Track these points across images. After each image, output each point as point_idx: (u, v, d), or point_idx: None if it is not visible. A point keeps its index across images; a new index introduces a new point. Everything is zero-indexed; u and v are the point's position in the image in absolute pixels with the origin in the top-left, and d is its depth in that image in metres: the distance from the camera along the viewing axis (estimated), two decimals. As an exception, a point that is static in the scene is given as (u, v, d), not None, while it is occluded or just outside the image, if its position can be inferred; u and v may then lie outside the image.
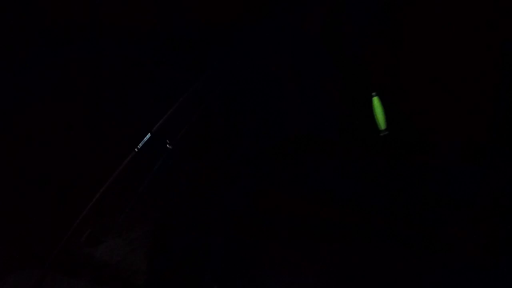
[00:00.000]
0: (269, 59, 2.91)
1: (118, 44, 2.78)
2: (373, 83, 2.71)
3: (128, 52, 2.81)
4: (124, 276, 2.53)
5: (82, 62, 2.75)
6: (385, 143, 2.79)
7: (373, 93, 2.63)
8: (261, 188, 2.79)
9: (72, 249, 2.52)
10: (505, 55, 2.63)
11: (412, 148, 2.81)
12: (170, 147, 2.51)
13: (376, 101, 2.63)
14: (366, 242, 2.60)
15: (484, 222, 2.55)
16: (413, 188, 2.69)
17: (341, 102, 2.89)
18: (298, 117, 2.95)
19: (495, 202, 2.58)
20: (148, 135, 2.43)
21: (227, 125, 2.91)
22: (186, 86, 2.61)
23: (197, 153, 2.84)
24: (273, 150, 2.87)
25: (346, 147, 2.86)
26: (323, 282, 2.51)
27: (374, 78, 2.80)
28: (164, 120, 2.51)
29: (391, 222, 2.63)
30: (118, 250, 2.59)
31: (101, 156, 2.72)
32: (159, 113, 2.52)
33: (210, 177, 2.79)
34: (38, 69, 2.65)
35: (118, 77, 2.81)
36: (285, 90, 2.96)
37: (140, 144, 2.41)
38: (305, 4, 2.89)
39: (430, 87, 2.76)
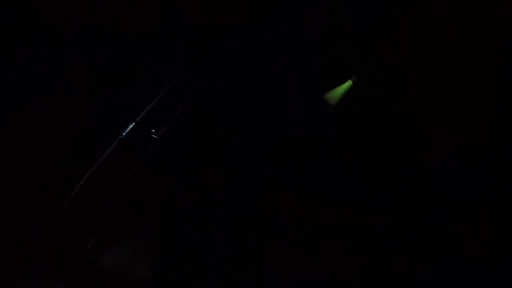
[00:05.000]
0: (269, 59, 2.91)
1: (118, 44, 2.77)
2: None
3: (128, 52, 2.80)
4: (129, 285, 2.51)
5: (82, 62, 2.74)
6: (385, 143, 2.80)
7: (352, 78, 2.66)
8: (263, 189, 2.79)
9: (77, 257, 2.51)
10: (505, 55, 2.64)
11: (412, 148, 2.81)
12: (156, 137, 2.49)
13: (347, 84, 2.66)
14: (368, 242, 2.60)
15: (485, 223, 2.56)
16: (414, 188, 2.70)
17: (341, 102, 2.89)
18: (298, 117, 2.95)
19: (496, 202, 2.59)
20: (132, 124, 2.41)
21: (227, 125, 2.91)
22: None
23: (197, 153, 2.83)
24: (274, 150, 2.86)
25: (346, 147, 2.86)
26: (326, 283, 2.51)
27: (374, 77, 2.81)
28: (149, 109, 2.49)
29: (393, 222, 2.64)
30: (123, 258, 2.58)
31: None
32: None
33: (211, 178, 2.79)
34: (38, 69, 2.63)
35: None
36: (285, 90, 2.95)
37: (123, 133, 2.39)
38: (305, 4, 2.88)
39: (430, 87, 2.77)
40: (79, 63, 2.74)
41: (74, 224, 2.53)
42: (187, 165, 2.77)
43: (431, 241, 2.56)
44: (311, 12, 2.88)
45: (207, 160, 2.81)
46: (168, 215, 2.72)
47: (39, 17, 2.65)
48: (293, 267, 2.55)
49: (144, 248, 2.63)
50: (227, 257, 2.61)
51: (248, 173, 2.81)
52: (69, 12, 2.72)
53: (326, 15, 2.86)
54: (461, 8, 2.64)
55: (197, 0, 2.87)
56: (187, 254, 2.60)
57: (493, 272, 2.39)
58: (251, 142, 2.86)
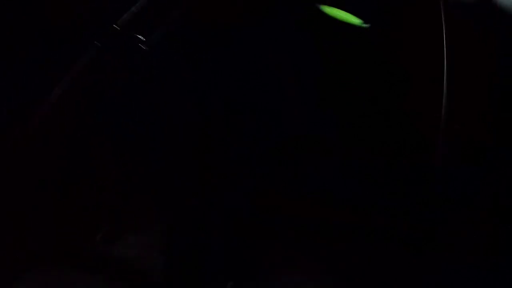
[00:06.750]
0: (269, 59, 2.91)
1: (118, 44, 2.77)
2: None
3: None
4: (140, 273, 2.54)
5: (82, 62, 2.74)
6: (385, 143, 2.80)
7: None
8: (261, 188, 2.79)
9: (88, 246, 2.53)
10: (505, 55, 2.63)
11: (412, 148, 2.81)
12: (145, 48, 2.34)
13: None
14: (366, 242, 2.60)
15: (484, 222, 2.55)
16: (413, 188, 2.69)
17: (340, 101, 2.89)
18: (298, 117, 2.95)
19: (495, 202, 2.58)
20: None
21: (227, 125, 2.91)
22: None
23: (196, 152, 2.84)
24: (273, 150, 2.87)
25: (346, 147, 2.86)
26: (324, 282, 2.52)
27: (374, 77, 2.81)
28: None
29: (391, 222, 2.64)
30: (134, 247, 2.61)
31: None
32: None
33: (209, 177, 2.80)
34: (38, 69, 2.64)
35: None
36: (285, 90, 2.96)
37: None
38: (305, 4, 2.89)
39: (430, 86, 2.76)
40: (79, 63, 2.74)
41: (85, 214, 2.56)
42: (185, 164, 2.78)
43: (430, 241, 2.56)
44: (311, 11, 2.88)
45: (205, 159, 2.81)
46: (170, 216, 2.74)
47: (39, 17, 2.66)
48: (291, 267, 2.56)
49: (155, 237, 2.65)
50: (224, 257, 2.62)
51: (246, 172, 2.82)
52: (69, 12, 2.73)
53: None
54: (461, 7, 2.64)
55: (197, 0, 2.88)
56: (184, 254, 2.62)
57: (490, 272, 2.39)
58: (249, 141, 2.87)
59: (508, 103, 2.65)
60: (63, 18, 2.69)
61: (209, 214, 2.72)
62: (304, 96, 2.94)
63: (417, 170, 2.75)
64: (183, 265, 2.63)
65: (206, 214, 2.73)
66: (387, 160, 2.80)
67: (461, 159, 2.72)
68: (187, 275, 2.62)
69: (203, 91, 2.83)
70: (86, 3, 2.74)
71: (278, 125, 2.94)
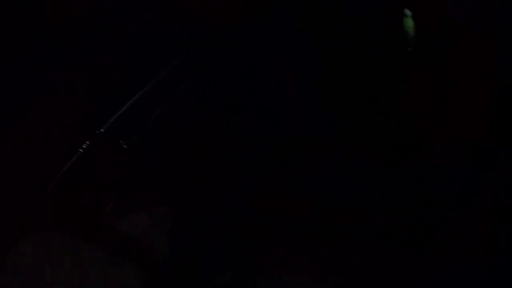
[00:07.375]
0: (269, 59, 2.91)
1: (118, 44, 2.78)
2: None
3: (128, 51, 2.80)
4: (144, 250, 2.54)
5: (82, 62, 2.75)
6: (385, 143, 2.80)
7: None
8: (261, 188, 2.79)
9: (95, 219, 2.53)
10: (505, 55, 2.63)
11: (412, 148, 2.81)
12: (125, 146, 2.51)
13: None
14: (366, 242, 2.60)
15: (484, 222, 2.56)
16: (413, 188, 2.69)
17: (340, 101, 2.89)
18: (298, 117, 2.95)
19: (495, 202, 2.58)
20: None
21: (227, 125, 2.91)
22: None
23: (196, 153, 2.84)
24: (273, 150, 2.87)
25: (346, 147, 2.86)
26: (324, 282, 2.51)
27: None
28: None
29: (391, 222, 2.64)
30: (140, 224, 2.60)
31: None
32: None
33: (209, 177, 2.80)
34: (38, 69, 2.64)
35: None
36: (285, 90, 2.96)
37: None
38: (305, 4, 2.88)
39: (430, 86, 2.76)
40: (79, 63, 2.74)
41: (95, 187, 2.56)
42: (185, 164, 2.78)
43: (430, 241, 2.56)
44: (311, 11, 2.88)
45: (205, 159, 2.82)
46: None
47: (39, 17, 2.66)
48: (291, 266, 2.56)
49: (163, 216, 2.65)
50: (224, 257, 2.63)
51: (246, 172, 2.82)
52: (69, 12, 2.73)
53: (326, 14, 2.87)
54: (461, 7, 2.64)
55: (197, 0, 2.87)
56: (184, 254, 2.62)
57: (489, 272, 2.39)
58: (249, 141, 2.87)
59: (508, 103, 2.65)
60: (63, 18, 2.69)
61: (209, 214, 2.73)
62: (304, 96, 2.94)
63: (417, 170, 2.75)
64: (183, 265, 2.63)
65: (206, 214, 2.73)
66: (387, 160, 2.80)
67: (461, 159, 2.72)
68: (187, 275, 2.62)
69: (203, 91, 2.83)
70: (86, 3, 2.74)
71: (278, 125, 2.94)
